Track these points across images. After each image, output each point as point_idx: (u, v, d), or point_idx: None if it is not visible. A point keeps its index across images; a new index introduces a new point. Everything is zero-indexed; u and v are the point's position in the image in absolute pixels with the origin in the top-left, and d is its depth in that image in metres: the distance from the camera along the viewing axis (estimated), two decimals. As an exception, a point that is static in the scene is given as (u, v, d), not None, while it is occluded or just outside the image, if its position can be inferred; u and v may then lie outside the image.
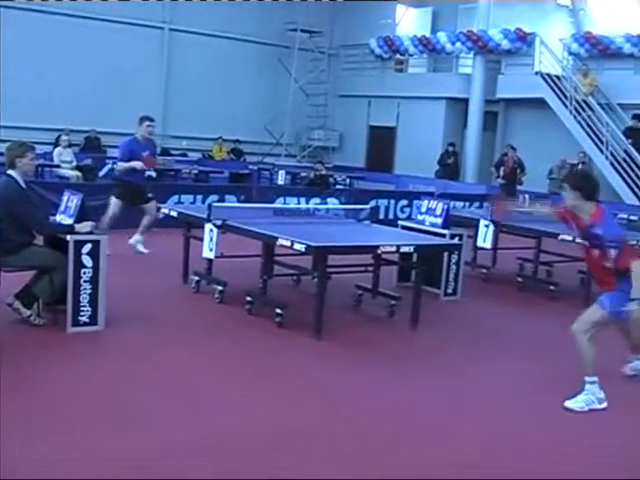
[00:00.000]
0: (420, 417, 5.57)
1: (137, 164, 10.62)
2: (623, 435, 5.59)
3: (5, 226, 6.81)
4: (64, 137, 18.17)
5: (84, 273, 6.84)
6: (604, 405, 5.97)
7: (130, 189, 10.75)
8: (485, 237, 10.23)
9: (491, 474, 4.72)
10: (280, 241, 7.43)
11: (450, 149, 22.38)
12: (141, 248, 11.12)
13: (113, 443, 4.69)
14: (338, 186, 18.89)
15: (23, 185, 6.99)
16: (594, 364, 5.93)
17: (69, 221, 7.02)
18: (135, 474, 4.32)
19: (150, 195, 10.95)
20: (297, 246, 7.15)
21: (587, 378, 5.98)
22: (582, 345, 5.98)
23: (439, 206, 9.59)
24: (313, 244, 7.08)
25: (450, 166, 22.23)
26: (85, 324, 6.91)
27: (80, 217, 7.01)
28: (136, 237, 11.10)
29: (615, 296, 6.09)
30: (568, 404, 5.92)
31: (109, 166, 19.70)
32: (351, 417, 5.44)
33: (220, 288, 8.52)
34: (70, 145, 18.02)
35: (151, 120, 11.01)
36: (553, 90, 20.86)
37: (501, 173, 18.59)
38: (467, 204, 16.87)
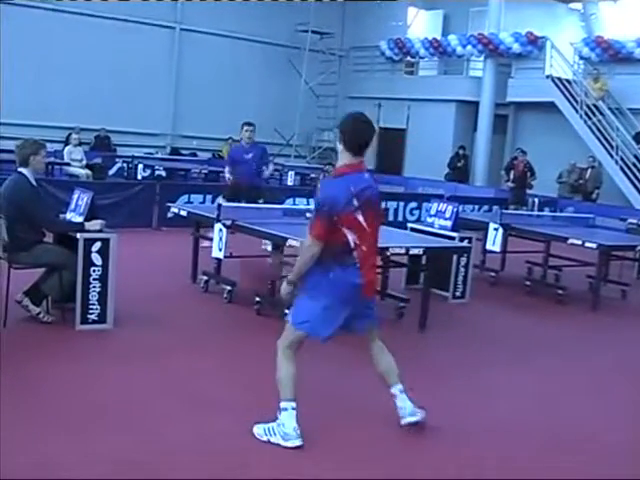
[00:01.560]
0: (426, 418, 5.56)
1: (227, 175, 12.00)
2: (624, 432, 5.59)
3: (16, 224, 6.83)
4: (75, 135, 18.23)
5: (93, 271, 6.86)
6: (291, 443, 4.75)
7: (237, 189, 11.51)
8: (494, 240, 10.23)
9: (493, 473, 4.73)
10: (290, 242, 7.43)
11: (460, 152, 22.37)
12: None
13: (117, 442, 4.70)
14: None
15: (34, 183, 7.01)
16: (292, 386, 4.87)
17: (79, 219, 7.04)
18: (137, 474, 4.33)
19: (260, 201, 11.18)
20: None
21: (281, 403, 4.87)
22: (278, 362, 4.95)
23: (448, 209, 9.58)
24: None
25: (460, 169, 22.23)
26: (94, 322, 6.92)
27: (90, 215, 7.03)
28: None
29: (300, 302, 4.95)
30: (255, 428, 4.91)
31: (119, 165, 19.86)
32: (357, 419, 5.42)
33: (229, 288, 8.52)
34: (80, 143, 18.07)
35: (249, 125, 11.79)
36: (563, 94, 20.84)
37: (511, 177, 18.57)
38: (476, 207, 16.87)
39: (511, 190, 18.46)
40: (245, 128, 11.81)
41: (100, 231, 6.98)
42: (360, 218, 4.80)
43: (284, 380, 4.88)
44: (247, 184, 11.56)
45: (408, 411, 5.15)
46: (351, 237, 4.79)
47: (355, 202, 4.77)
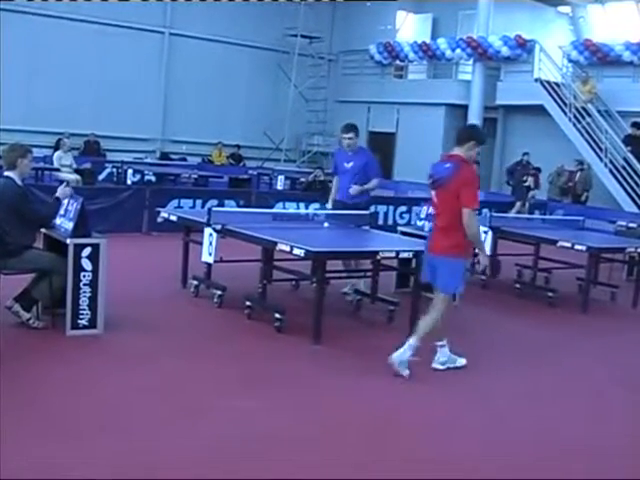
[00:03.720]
0: (416, 423, 5.57)
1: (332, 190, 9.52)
2: (625, 436, 5.60)
3: (6, 228, 6.82)
4: (66, 141, 18.14)
5: (84, 276, 6.84)
6: (459, 363, 6.89)
7: (334, 208, 9.41)
8: (484, 243, 10.25)
9: (492, 474, 4.74)
10: (279, 246, 7.43)
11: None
12: None
13: (111, 446, 4.69)
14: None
15: (21, 184, 7.01)
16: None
17: (69, 225, 7.01)
18: (134, 475, 4.33)
19: None
20: (296, 251, 7.15)
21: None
22: None
23: (438, 212, 9.56)
24: (312, 249, 7.08)
25: None
26: (84, 327, 6.91)
27: (79, 221, 7.00)
28: None
29: None
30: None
31: (108, 170, 19.83)
32: (348, 422, 5.43)
33: (219, 293, 8.51)
34: (70, 149, 18.01)
35: (347, 130, 9.04)
36: (552, 97, 20.91)
37: (529, 178, 18.84)
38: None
39: (520, 190, 18.69)
40: (342, 135, 9.11)
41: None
42: (432, 194, 6.63)
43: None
44: (344, 201, 9.27)
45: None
46: (431, 207, 6.95)
47: (430, 181, 6.63)
